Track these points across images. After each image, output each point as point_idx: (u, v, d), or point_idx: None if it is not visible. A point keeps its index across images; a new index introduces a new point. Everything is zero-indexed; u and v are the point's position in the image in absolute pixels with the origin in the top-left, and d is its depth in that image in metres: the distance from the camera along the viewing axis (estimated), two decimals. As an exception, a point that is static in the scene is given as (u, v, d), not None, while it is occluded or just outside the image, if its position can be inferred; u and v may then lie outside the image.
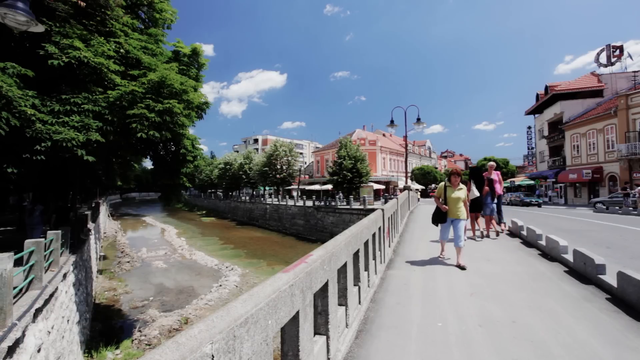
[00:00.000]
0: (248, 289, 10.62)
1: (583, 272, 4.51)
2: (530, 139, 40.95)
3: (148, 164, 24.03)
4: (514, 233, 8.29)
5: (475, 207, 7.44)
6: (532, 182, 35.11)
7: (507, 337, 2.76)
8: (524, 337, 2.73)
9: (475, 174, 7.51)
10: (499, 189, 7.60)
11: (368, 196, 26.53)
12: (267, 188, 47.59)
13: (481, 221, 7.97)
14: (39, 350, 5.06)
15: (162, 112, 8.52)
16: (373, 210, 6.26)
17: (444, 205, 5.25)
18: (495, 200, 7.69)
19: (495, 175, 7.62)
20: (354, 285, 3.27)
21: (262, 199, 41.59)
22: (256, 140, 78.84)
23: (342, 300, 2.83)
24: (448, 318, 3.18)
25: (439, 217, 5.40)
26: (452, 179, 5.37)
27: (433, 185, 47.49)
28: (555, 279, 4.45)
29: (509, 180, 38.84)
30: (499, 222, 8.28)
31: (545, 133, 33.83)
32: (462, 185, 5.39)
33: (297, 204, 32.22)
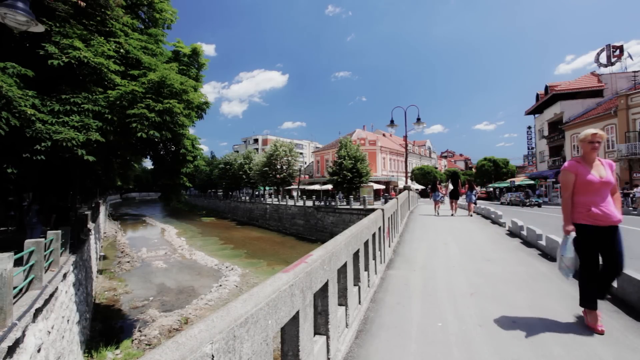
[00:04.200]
0: (248, 289, 10.62)
1: (583, 272, 4.50)
2: (530, 139, 40.91)
3: (148, 164, 24.02)
4: (514, 233, 8.31)
5: (453, 196, 12.64)
6: (532, 182, 35.05)
7: (507, 337, 2.76)
8: (524, 337, 2.73)
9: (453, 177, 12.89)
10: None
11: (368, 196, 26.53)
12: (267, 188, 47.58)
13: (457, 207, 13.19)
14: (39, 350, 5.06)
15: (162, 112, 8.53)
16: (373, 210, 6.25)
17: None
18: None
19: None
20: (354, 285, 3.27)
21: (262, 199, 41.60)
22: (256, 140, 78.79)
23: (342, 300, 2.83)
24: (448, 318, 3.18)
25: None
26: None
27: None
28: (555, 279, 4.45)
29: (509, 181, 38.68)
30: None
31: (545, 133, 33.83)
32: None
33: (297, 204, 32.22)
